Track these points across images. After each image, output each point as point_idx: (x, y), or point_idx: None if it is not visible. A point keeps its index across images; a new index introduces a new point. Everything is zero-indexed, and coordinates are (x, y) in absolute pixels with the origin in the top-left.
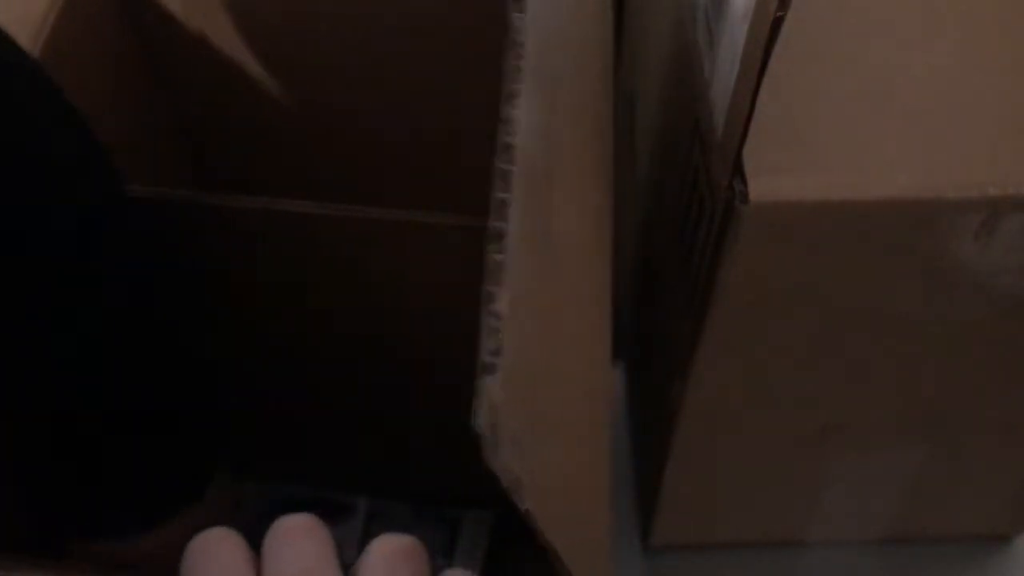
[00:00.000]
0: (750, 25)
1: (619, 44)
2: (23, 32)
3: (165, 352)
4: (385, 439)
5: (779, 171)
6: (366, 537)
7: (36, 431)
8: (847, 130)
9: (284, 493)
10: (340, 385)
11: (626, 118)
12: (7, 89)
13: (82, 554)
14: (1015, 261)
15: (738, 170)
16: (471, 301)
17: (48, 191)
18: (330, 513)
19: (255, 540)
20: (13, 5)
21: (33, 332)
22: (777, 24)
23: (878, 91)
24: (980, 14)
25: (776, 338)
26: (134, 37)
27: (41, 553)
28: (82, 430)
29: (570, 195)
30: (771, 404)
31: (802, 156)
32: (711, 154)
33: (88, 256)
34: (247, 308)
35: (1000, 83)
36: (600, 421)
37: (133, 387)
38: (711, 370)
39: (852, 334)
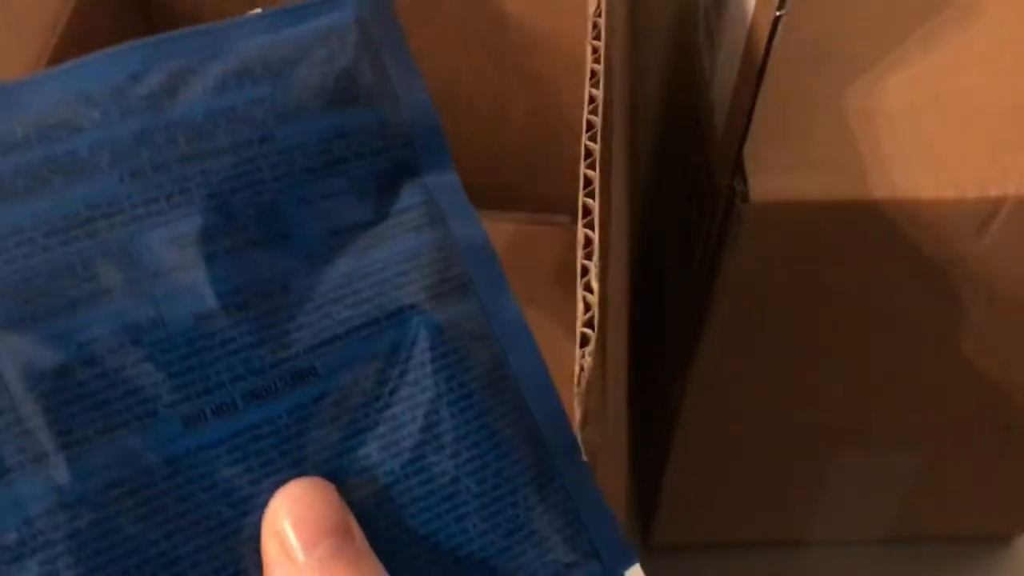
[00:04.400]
0: (750, 25)
1: None
2: (36, 28)
3: None
4: None
5: (779, 170)
6: None
7: None
8: (847, 130)
9: None
10: None
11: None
12: None
13: None
14: (1015, 261)
15: (738, 169)
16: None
17: None
18: None
19: None
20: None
21: None
22: (777, 23)
23: (878, 92)
24: (980, 13)
25: (776, 337)
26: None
27: None
28: None
29: (616, 180)
30: (771, 404)
31: (802, 156)
32: (711, 154)
33: None
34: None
35: (1000, 83)
36: (620, 404)
37: None
38: (711, 370)
39: (851, 333)
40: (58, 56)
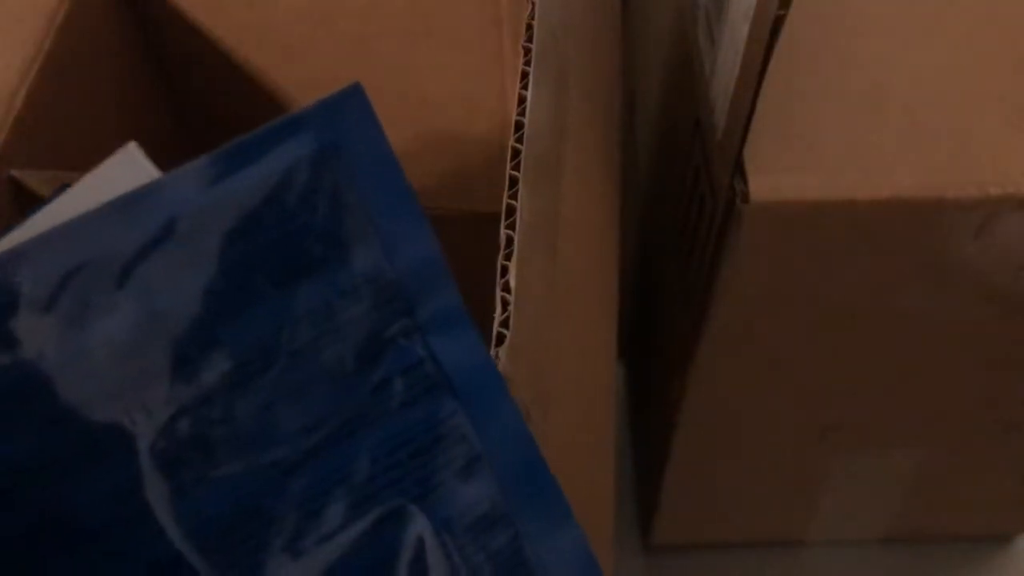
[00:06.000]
0: (750, 25)
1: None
2: (30, 28)
3: None
4: None
5: (780, 170)
6: None
7: None
8: (847, 130)
9: None
10: None
11: (626, 118)
12: None
13: None
14: (1015, 261)
15: (739, 169)
16: (482, 291)
17: None
18: None
19: None
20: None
21: None
22: (778, 24)
23: (878, 91)
24: (980, 13)
25: (776, 338)
26: (140, 36)
27: None
28: None
29: (579, 182)
30: (771, 404)
31: (802, 156)
32: (711, 154)
33: None
34: None
35: (1000, 82)
36: (605, 406)
37: None
38: (711, 370)
39: (852, 334)
40: (53, 60)
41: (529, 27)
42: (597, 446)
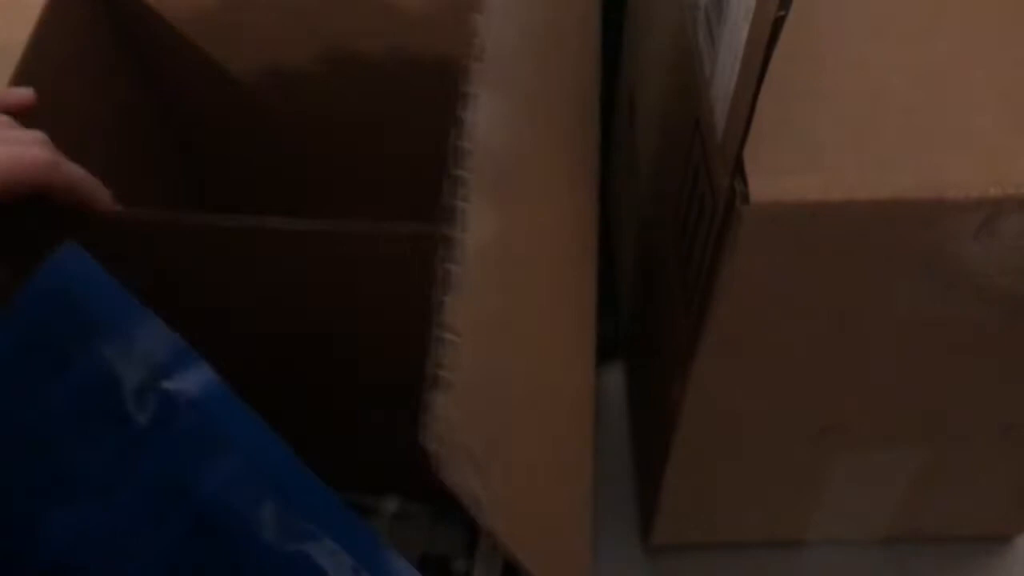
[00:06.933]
0: (750, 25)
1: (619, 44)
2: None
3: None
4: (406, 443)
5: (780, 171)
6: (390, 539)
7: None
8: (847, 130)
9: None
10: (349, 391)
11: (626, 118)
12: None
13: None
14: (1015, 261)
15: (739, 170)
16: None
17: None
18: None
19: None
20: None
21: None
22: (777, 24)
23: (878, 91)
24: (980, 13)
25: (776, 338)
26: (120, 36)
27: None
28: None
29: (543, 200)
30: (771, 404)
31: (802, 156)
32: (711, 154)
33: None
34: (236, 317)
35: (1000, 83)
36: (580, 431)
37: None
38: (711, 370)
39: (852, 334)
40: (32, 60)
41: (477, 46)
42: (570, 473)
